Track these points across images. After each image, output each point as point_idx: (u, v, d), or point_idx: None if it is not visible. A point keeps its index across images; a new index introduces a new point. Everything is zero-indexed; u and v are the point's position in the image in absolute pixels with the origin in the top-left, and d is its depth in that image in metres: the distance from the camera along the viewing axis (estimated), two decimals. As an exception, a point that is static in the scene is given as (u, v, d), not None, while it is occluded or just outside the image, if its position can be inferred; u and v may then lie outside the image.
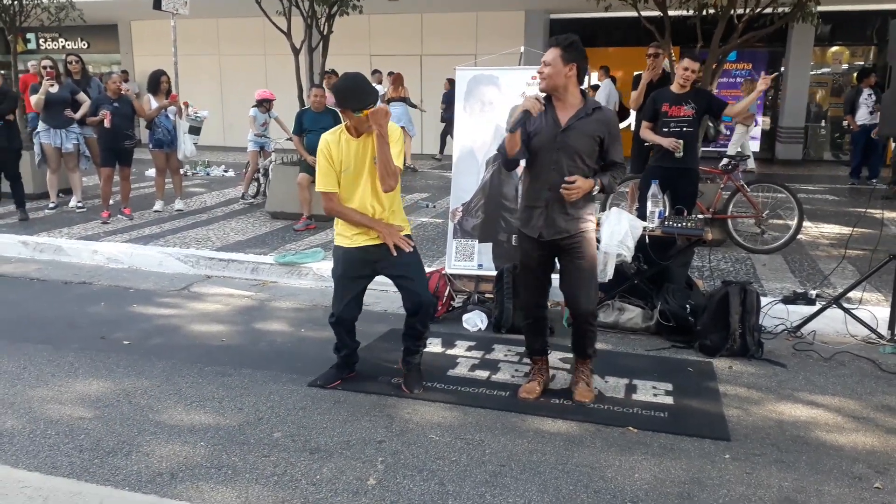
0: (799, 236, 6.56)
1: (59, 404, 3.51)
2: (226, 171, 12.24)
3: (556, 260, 3.61)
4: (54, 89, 8.04)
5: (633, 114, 7.90)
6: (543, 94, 3.45)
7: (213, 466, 2.90)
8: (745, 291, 4.37)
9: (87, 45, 18.57)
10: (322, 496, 2.71)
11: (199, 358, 4.17)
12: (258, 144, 9.23)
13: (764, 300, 4.68)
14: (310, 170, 7.51)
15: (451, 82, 12.29)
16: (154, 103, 8.20)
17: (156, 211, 8.44)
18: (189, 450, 3.04)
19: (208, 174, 12.11)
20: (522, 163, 3.62)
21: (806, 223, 6.89)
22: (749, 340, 4.29)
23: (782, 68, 14.35)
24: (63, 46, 18.29)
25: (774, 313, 4.75)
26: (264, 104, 9.10)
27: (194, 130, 8.91)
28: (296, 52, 8.68)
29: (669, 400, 3.64)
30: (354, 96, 3.38)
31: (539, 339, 3.74)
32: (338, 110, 3.69)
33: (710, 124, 7.45)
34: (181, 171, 8.97)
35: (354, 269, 3.63)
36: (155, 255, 6.57)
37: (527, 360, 3.96)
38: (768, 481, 2.86)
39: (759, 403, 3.62)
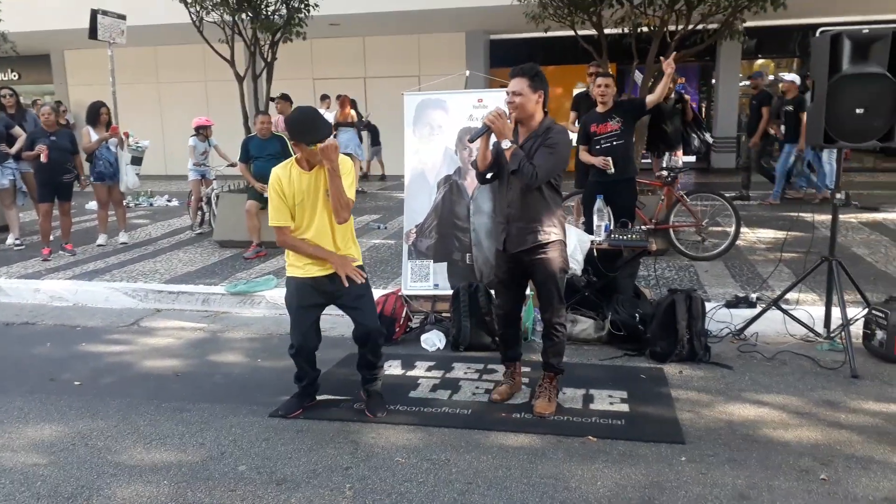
0: (737, 242, 6.85)
1: (10, 452, 3.40)
2: (169, 201, 12.03)
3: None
4: (-13, 124, 7.81)
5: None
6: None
7: (179, 504, 2.87)
8: (691, 298, 4.56)
9: (17, 76, 18.03)
10: (292, 526, 2.71)
11: (154, 394, 4.10)
12: (199, 173, 9.11)
13: (708, 305, 4.88)
14: (258, 197, 7.47)
15: None
16: (94, 135, 8.03)
17: (99, 245, 8.23)
18: (152, 490, 3.00)
19: (151, 205, 11.88)
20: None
21: (743, 229, 7.19)
22: (696, 345, 4.46)
23: (713, 81, 14.97)
24: (-8, 78, 17.72)
25: (719, 318, 4.95)
26: (202, 131, 9.00)
27: (136, 161, 8.73)
28: (240, 79, 8.65)
29: (625, 407, 3.76)
30: (308, 130, 3.41)
31: (512, 347, 3.92)
32: (289, 142, 3.71)
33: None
34: (124, 203, 8.79)
35: (307, 299, 3.64)
36: (101, 290, 6.42)
37: (486, 376, 4.08)
38: (722, 480, 2.99)
39: (709, 406, 3.77)
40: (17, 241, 8.25)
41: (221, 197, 8.46)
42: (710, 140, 9.47)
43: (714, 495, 2.87)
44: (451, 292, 5.02)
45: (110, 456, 3.33)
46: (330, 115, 11.96)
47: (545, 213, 3.61)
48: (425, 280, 5.26)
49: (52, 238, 7.82)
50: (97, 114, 8.13)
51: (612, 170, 5.61)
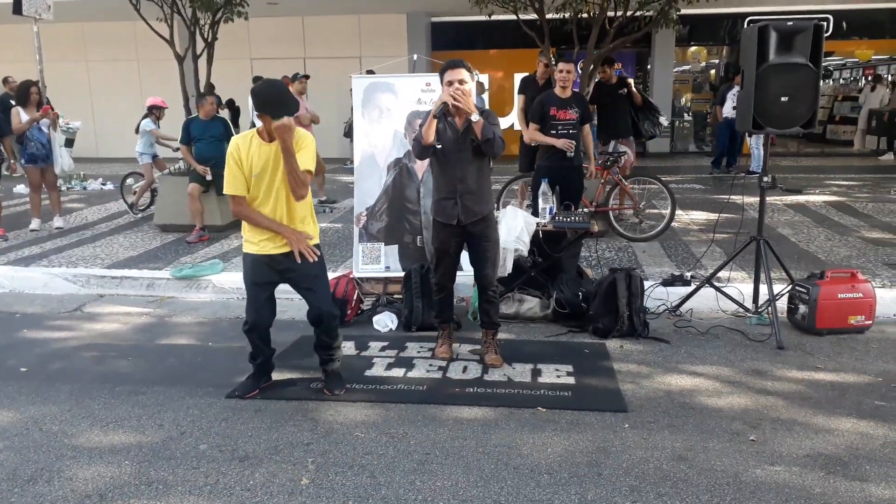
0: (672, 224, 7.18)
1: (-40, 438, 3.35)
2: (104, 185, 11.66)
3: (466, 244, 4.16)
4: None
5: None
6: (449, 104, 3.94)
7: (143, 483, 2.90)
8: (630, 277, 4.80)
9: (-69, 52, 16.98)
10: (258, 500, 2.79)
11: (107, 378, 4.08)
12: (151, 155, 8.84)
13: (646, 284, 5.13)
14: (200, 179, 7.37)
15: None
16: (24, 116, 7.73)
17: (32, 230, 7.95)
18: (114, 470, 3.02)
19: (85, 188, 11.50)
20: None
21: (678, 211, 7.54)
22: (636, 321, 4.71)
23: (649, 67, 15.43)
24: None
25: (656, 295, 5.22)
26: (155, 112, 8.74)
27: (68, 143, 8.46)
28: (180, 59, 8.45)
29: (571, 380, 3.97)
30: (275, 103, 3.41)
31: (449, 309, 4.41)
32: (254, 115, 3.73)
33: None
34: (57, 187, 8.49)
35: (262, 276, 3.67)
36: (39, 276, 6.24)
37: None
38: (663, 444, 3.22)
39: (649, 377, 4.02)
40: (-57, 226, 7.89)
41: (162, 180, 8.29)
42: (665, 122, 9.72)
43: (655, 458, 3.09)
44: (402, 274, 5.12)
45: (67, 439, 3.32)
46: None
47: (489, 185, 4.18)
48: (377, 262, 5.35)
49: (-21, 223, 7.53)
50: (27, 93, 7.82)
51: (573, 153, 5.81)
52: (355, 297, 5.10)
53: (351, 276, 5.24)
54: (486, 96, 12.20)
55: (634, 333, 4.67)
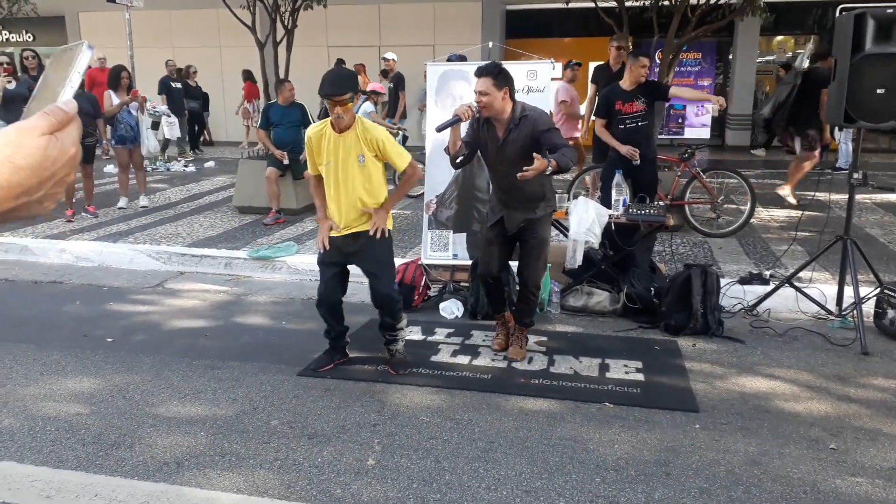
0: (751, 220, 6.92)
1: (53, 402, 3.56)
2: (186, 167, 12.12)
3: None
4: (11, 86, 7.88)
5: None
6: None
7: (217, 454, 3.02)
8: (706, 274, 4.65)
9: (32, 38, 17.99)
10: (326, 477, 2.86)
11: (185, 352, 4.25)
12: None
13: (722, 281, 4.97)
14: (277, 164, 7.56)
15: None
16: (115, 99, 8.11)
17: (120, 208, 8.36)
18: (190, 440, 3.15)
19: (168, 169, 11.97)
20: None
21: (757, 207, 7.26)
22: (710, 319, 4.57)
23: (730, 57, 14.87)
24: (6, 40, 17.71)
25: (732, 293, 5.04)
26: (373, 96, 8.84)
27: (154, 126, 8.84)
28: (261, 46, 8.68)
29: (640, 377, 3.89)
30: (326, 82, 3.54)
31: (500, 301, 4.26)
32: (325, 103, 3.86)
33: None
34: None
35: (329, 256, 3.82)
36: (125, 252, 6.56)
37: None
38: (735, 447, 3.12)
39: (722, 377, 3.90)
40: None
41: (241, 163, 8.55)
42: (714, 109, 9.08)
43: (727, 461, 3.00)
44: (469, 262, 5.13)
45: (148, 408, 3.49)
46: None
47: (540, 191, 3.93)
48: (444, 250, 5.37)
49: (73, 200, 7.95)
50: (118, 78, 8.19)
51: (638, 161, 5.61)
52: (423, 283, 5.14)
53: (419, 262, 5.28)
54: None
55: (708, 332, 4.53)
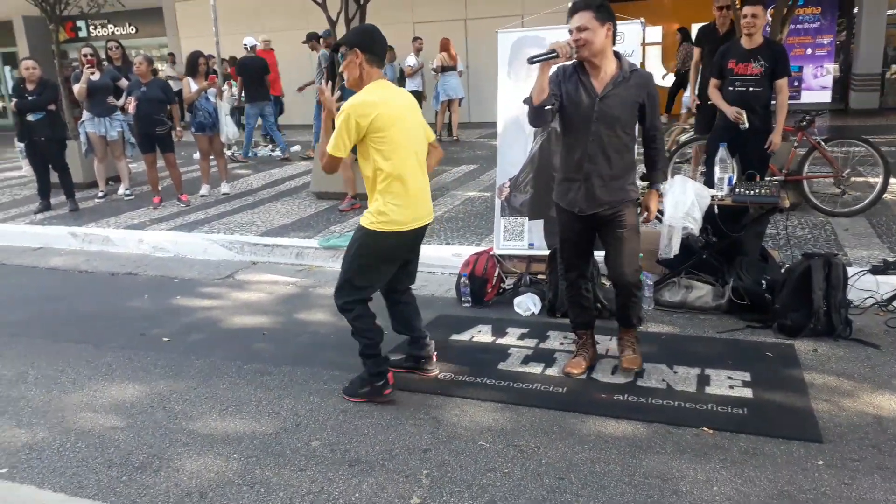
0: (885, 195, 5.96)
1: (91, 412, 3.37)
2: (272, 152, 12.10)
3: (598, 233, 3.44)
4: (95, 77, 7.97)
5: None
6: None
7: (246, 484, 2.69)
8: (830, 265, 3.92)
9: (135, 30, 18.69)
10: (361, 518, 2.47)
11: (238, 355, 3.99)
12: None
13: (850, 271, 4.20)
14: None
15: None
16: (194, 86, 8.05)
17: (202, 196, 8.36)
18: (221, 464, 2.84)
19: (255, 155, 12.00)
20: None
21: (892, 180, 6.24)
22: (835, 318, 3.84)
23: (855, 10, 13.27)
24: (112, 32, 18.46)
25: (862, 285, 4.27)
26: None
27: (233, 112, 8.75)
28: (332, 24, 8.37)
29: (748, 393, 3.25)
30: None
31: (583, 313, 3.62)
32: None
33: None
34: (226, 154, 8.85)
35: (400, 253, 3.43)
36: (199, 242, 6.46)
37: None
38: (871, 493, 2.47)
39: (852, 395, 3.20)
40: (128, 192, 8.52)
41: (318, 147, 8.33)
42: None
43: (861, 512, 2.37)
44: (547, 252, 4.59)
45: (185, 422, 3.22)
46: (411, 59, 12.26)
47: (630, 166, 3.33)
48: (519, 239, 4.85)
49: (160, 187, 7.99)
50: (196, 64, 8.13)
51: (746, 125, 4.90)
52: (496, 275, 4.66)
53: (492, 252, 4.79)
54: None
55: (833, 333, 3.81)
